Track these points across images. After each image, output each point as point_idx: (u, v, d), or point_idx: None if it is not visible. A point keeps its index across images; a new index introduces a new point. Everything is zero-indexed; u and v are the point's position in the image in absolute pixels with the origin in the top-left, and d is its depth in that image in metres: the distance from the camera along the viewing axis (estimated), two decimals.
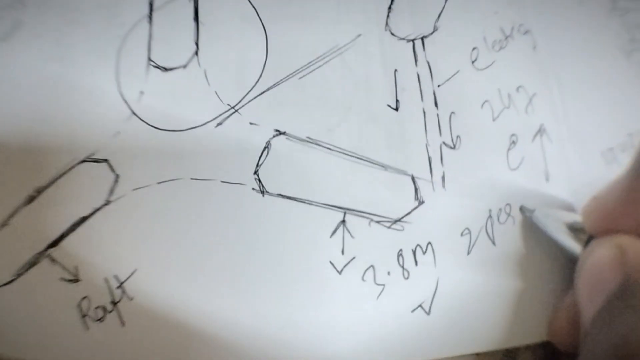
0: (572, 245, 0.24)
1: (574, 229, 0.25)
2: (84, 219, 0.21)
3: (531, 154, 0.30)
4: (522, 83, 0.30)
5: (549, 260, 0.29)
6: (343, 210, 0.25)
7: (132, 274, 0.21)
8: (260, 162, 0.24)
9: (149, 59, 0.23)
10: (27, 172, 0.21)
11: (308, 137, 0.25)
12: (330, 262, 0.25)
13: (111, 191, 0.22)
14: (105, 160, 0.22)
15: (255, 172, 0.24)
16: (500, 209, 0.28)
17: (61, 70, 0.21)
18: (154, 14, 0.23)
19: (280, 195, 0.24)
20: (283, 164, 0.24)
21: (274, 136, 0.24)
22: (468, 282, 0.27)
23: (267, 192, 0.24)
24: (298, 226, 0.24)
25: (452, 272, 0.27)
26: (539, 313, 0.28)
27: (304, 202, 0.25)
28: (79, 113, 0.21)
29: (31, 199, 0.21)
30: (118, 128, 0.22)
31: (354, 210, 0.25)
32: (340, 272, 0.25)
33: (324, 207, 0.25)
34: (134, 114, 0.22)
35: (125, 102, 0.22)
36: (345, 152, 0.26)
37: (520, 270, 0.28)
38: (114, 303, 0.21)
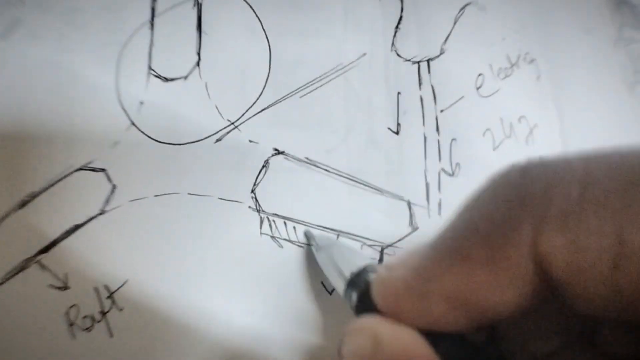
0: (339, 287, 0.20)
1: (351, 279, 0.19)
2: (77, 227, 0.21)
3: None
4: (524, 113, 0.30)
5: None
6: (337, 233, 0.25)
7: (123, 284, 0.21)
8: (257, 181, 0.24)
9: (150, 68, 0.22)
10: (21, 176, 0.20)
11: (306, 158, 0.25)
12: (322, 283, 0.25)
13: (107, 201, 0.21)
14: (103, 170, 0.21)
15: (252, 191, 0.24)
16: None
17: (60, 74, 0.21)
18: (156, 20, 0.22)
19: (275, 215, 0.24)
20: (280, 184, 0.24)
21: (272, 155, 0.24)
22: None
23: (263, 211, 0.24)
24: (292, 246, 0.24)
25: None
26: None
27: (299, 223, 0.25)
28: (77, 119, 0.21)
29: (24, 204, 0.20)
30: (117, 138, 0.22)
31: (347, 233, 0.25)
32: (330, 294, 0.25)
33: (318, 229, 0.25)
34: (134, 124, 0.22)
35: (125, 111, 0.22)
36: (342, 174, 0.26)
37: None
38: (103, 313, 0.21)
